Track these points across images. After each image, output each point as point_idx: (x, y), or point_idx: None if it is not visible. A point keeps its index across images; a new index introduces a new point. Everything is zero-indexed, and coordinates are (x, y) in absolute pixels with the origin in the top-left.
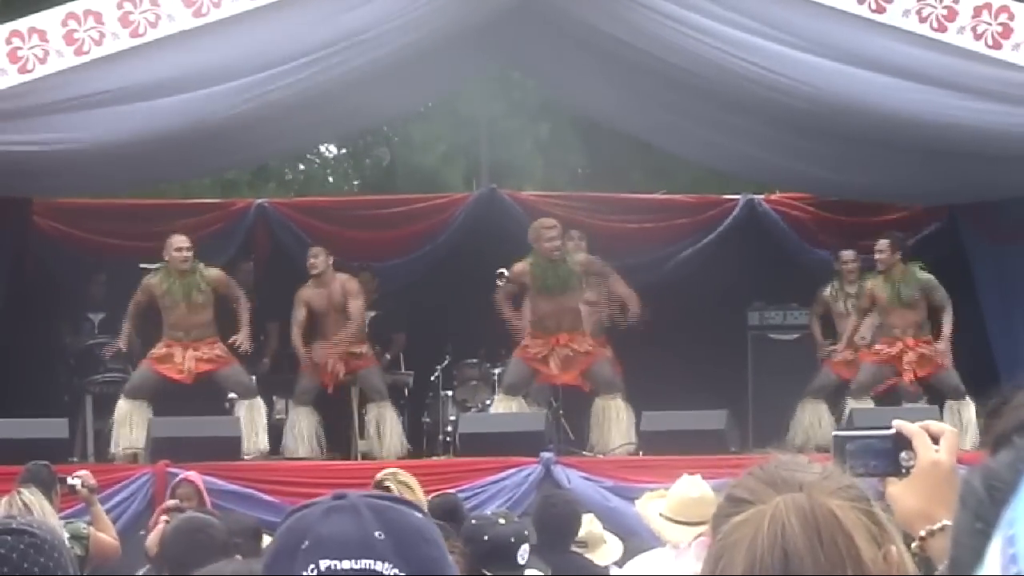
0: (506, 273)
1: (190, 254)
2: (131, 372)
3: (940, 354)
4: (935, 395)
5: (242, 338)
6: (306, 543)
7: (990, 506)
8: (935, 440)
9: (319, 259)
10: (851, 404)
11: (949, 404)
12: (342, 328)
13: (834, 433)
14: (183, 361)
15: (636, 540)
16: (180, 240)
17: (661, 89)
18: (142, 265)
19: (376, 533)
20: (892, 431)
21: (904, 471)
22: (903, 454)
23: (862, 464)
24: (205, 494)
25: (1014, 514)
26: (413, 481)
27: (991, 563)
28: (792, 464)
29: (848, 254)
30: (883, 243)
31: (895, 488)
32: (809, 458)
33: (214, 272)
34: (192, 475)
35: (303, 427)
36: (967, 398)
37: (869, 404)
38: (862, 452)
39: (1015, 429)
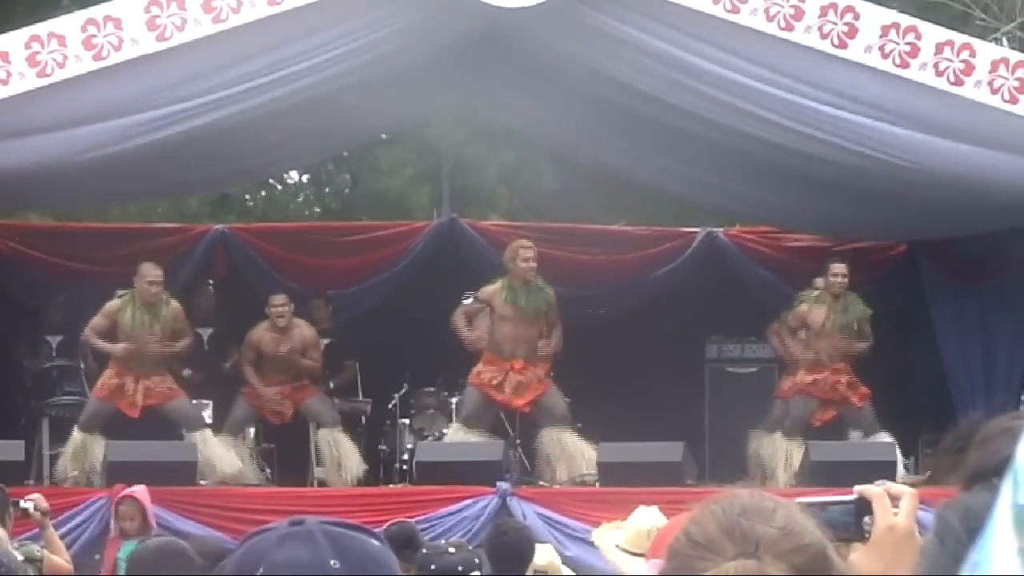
0: (473, 295)
1: (159, 288)
2: (88, 394)
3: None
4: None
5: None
6: (261, 569)
7: (968, 545)
8: (895, 502)
9: (285, 308)
10: (784, 443)
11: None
12: (285, 371)
13: (796, 501)
14: (134, 393)
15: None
16: (152, 272)
17: (624, 117)
18: (119, 292)
19: (332, 561)
20: (854, 496)
21: (867, 535)
22: (866, 519)
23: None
24: (150, 512)
25: (978, 556)
26: None
27: None
28: (754, 511)
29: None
30: (843, 267)
31: (857, 554)
32: (774, 502)
33: (175, 306)
34: (138, 491)
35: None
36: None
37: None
38: (823, 524)
39: (995, 469)
